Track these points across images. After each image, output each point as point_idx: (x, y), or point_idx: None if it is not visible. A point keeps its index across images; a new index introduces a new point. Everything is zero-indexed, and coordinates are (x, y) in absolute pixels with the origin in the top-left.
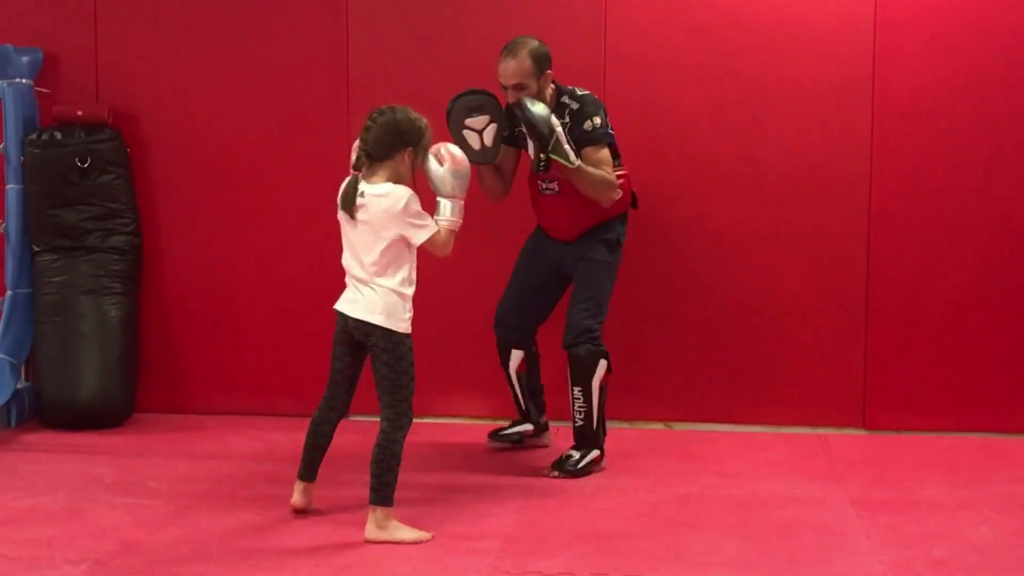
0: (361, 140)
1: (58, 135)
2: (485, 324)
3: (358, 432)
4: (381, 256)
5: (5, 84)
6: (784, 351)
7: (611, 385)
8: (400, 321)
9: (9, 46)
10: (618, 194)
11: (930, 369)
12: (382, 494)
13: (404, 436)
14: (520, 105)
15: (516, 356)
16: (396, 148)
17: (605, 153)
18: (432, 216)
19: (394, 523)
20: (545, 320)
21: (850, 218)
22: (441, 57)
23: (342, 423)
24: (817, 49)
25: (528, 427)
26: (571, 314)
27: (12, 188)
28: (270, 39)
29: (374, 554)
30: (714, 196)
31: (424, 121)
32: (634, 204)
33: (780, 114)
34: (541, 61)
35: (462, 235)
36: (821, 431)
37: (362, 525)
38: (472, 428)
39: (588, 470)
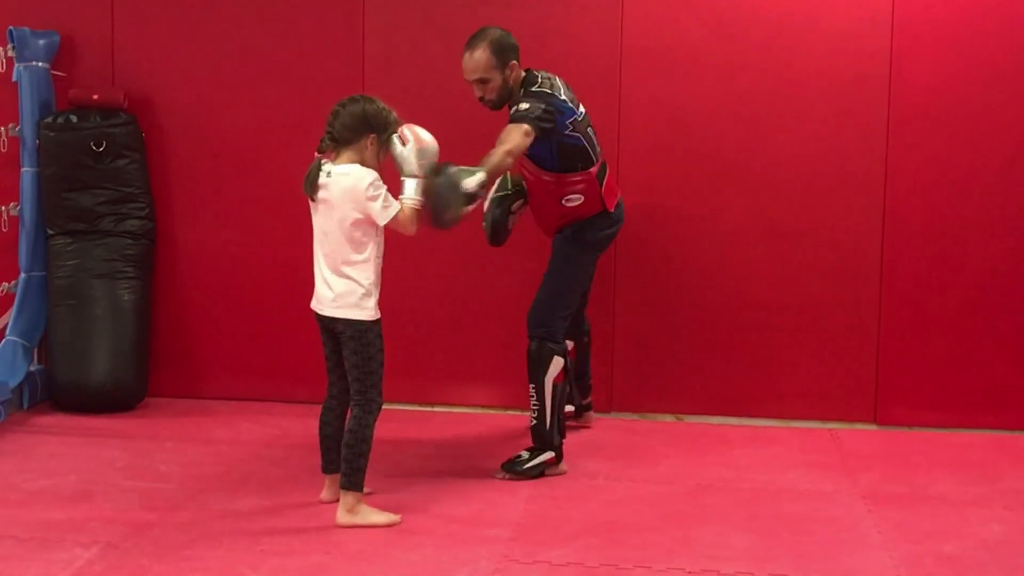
0: (328, 125)
1: (74, 119)
2: (497, 313)
3: None
4: (345, 239)
5: (21, 67)
6: (796, 345)
7: (623, 377)
8: (363, 309)
9: (26, 29)
10: (510, 155)
11: (942, 365)
12: (353, 479)
13: (374, 420)
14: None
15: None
16: (360, 133)
17: (516, 130)
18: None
19: (364, 507)
20: (585, 302)
21: (864, 214)
22: (457, 47)
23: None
24: (834, 45)
25: (569, 408)
26: (530, 308)
27: (27, 171)
28: (287, 26)
29: (384, 542)
30: (729, 191)
31: (393, 115)
32: (617, 210)
33: (796, 110)
34: (504, 52)
35: (472, 224)
36: (832, 426)
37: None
38: (483, 417)
39: (537, 472)
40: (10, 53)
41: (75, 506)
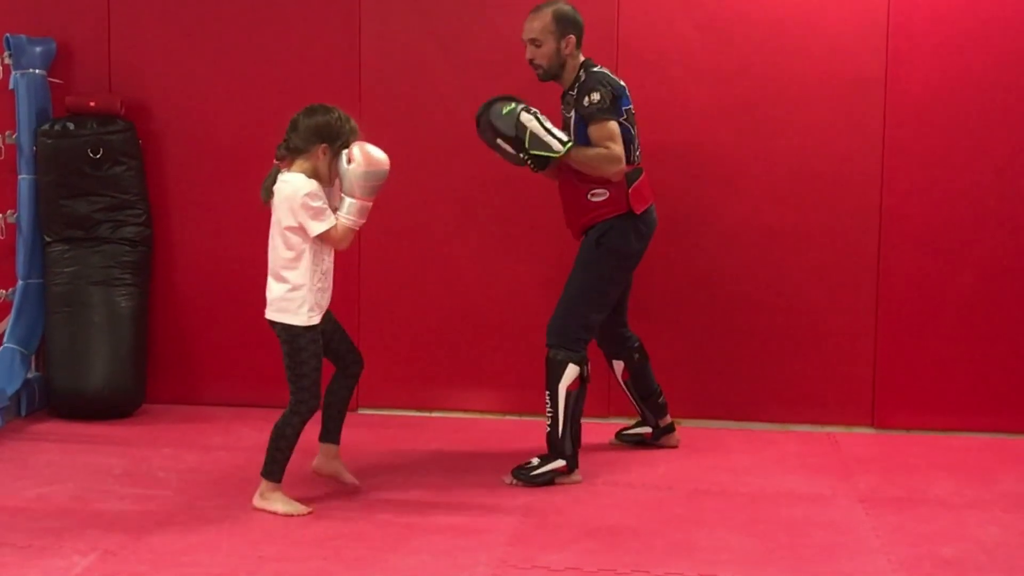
0: (285, 134)
1: (70, 126)
2: (497, 319)
3: (366, 426)
4: (283, 245)
5: (18, 74)
6: (794, 349)
7: (622, 382)
8: (295, 315)
9: (23, 36)
10: (621, 168)
11: (940, 368)
12: (267, 469)
13: (300, 422)
14: (481, 117)
15: (617, 367)
16: (311, 142)
17: (606, 128)
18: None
19: (276, 495)
20: (623, 318)
21: (861, 217)
22: (453, 53)
23: (349, 417)
24: (830, 48)
25: (646, 430)
26: (551, 316)
27: (24, 178)
28: (283, 32)
29: (383, 546)
30: (725, 194)
31: (350, 124)
32: (646, 216)
33: (792, 112)
34: (565, 23)
35: (475, 228)
36: (830, 429)
37: (371, 519)
38: (482, 422)
39: (546, 479)
40: (7, 60)
41: (73, 513)
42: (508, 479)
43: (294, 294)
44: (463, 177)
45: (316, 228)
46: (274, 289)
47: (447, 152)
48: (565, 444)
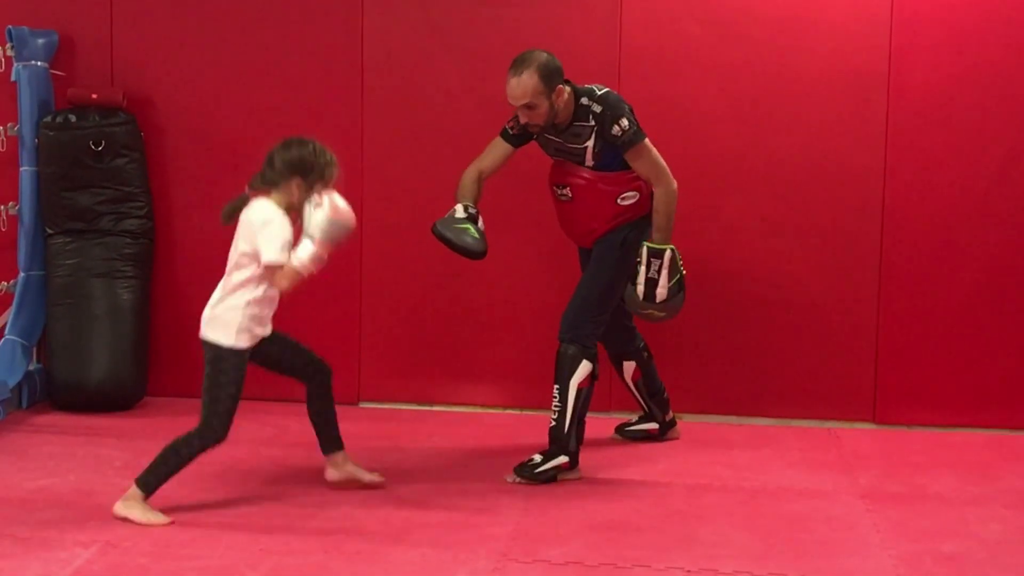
0: (262, 166)
1: (73, 118)
2: (499, 313)
3: (367, 420)
4: (234, 267)
5: (20, 66)
6: (795, 344)
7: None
8: (225, 335)
9: (25, 28)
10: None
11: (941, 364)
12: (145, 479)
13: (200, 448)
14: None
15: (628, 368)
16: (285, 176)
17: (646, 149)
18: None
19: (139, 504)
20: (630, 320)
21: (863, 213)
22: (456, 48)
23: (350, 410)
24: (833, 44)
25: (653, 426)
26: (564, 312)
27: (26, 170)
28: (286, 26)
29: (383, 540)
30: (727, 189)
31: (327, 157)
32: None
33: (795, 109)
34: (551, 76)
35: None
36: (831, 425)
37: (372, 513)
38: (484, 416)
39: (548, 476)
40: (9, 52)
41: (74, 505)
42: (511, 478)
43: (229, 315)
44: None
45: (270, 255)
46: (215, 305)
47: (449, 146)
48: (570, 440)
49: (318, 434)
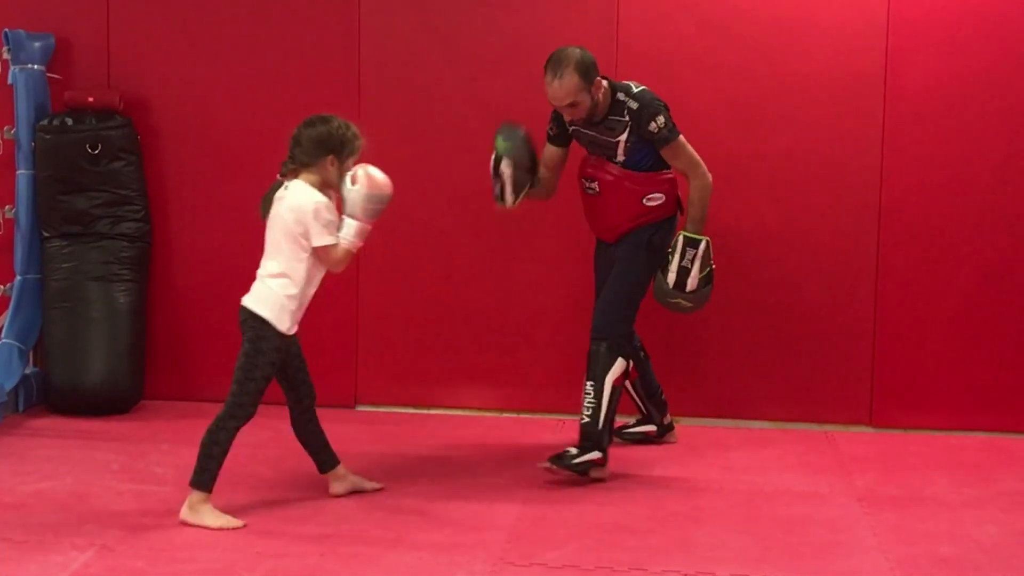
0: (290, 149)
1: (69, 121)
2: (495, 316)
3: (365, 423)
4: (279, 253)
5: (17, 69)
6: (792, 347)
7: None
8: (272, 313)
9: (21, 32)
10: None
11: (938, 367)
12: (197, 478)
13: (235, 427)
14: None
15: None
16: (318, 155)
17: (681, 146)
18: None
19: (207, 508)
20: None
21: (860, 215)
22: (452, 48)
23: (347, 414)
24: (830, 45)
25: (651, 427)
26: (595, 310)
27: (23, 174)
28: (283, 28)
29: (380, 543)
30: (724, 192)
31: (352, 131)
32: (680, 209)
33: (791, 110)
34: (588, 72)
35: (474, 225)
36: (828, 428)
37: (369, 516)
38: (479, 420)
39: (583, 469)
40: (5, 56)
41: (71, 508)
42: (545, 464)
43: (281, 298)
44: (463, 173)
45: (320, 240)
46: (256, 288)
47: (446, 148)
48: (604, 437)
49: (314, 454)
